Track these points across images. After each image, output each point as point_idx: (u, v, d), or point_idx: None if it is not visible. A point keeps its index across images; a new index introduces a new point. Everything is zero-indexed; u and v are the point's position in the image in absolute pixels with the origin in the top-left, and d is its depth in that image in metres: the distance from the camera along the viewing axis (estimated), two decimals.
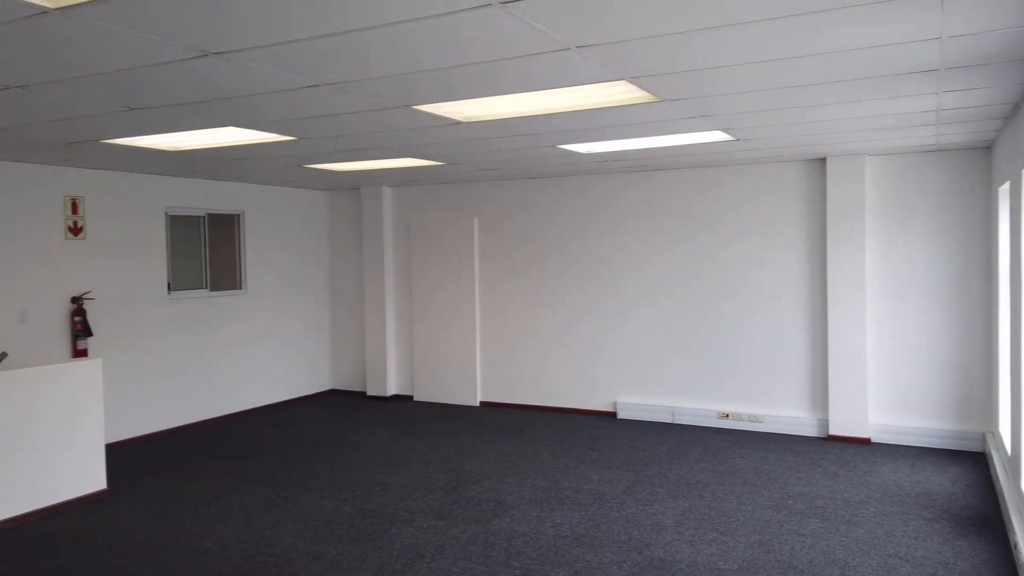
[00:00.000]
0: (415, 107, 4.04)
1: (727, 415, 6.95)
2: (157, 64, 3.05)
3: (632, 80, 3.49)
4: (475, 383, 8.17)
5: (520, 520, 4.64)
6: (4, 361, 5.74)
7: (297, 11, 2.43)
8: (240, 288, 7.94)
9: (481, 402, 8.21)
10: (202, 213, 7.54)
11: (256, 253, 8.08)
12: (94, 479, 5.21)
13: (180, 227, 7.37)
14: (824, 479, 5.38)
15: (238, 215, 7.93)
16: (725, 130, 4.94)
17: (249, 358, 7.98)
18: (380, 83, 3.46)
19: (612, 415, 7.50)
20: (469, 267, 8.17)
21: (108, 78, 3.28)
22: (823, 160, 6.57)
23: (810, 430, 6.65)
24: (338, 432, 7.05)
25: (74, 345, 6.27)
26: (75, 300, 6.28)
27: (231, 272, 7.89)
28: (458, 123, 4.52)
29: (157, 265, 7.04)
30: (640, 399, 7.39)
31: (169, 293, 7.16)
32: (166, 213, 7.16)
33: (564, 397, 7.77)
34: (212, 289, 7.64)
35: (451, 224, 8.27)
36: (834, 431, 6.51)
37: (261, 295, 8.13)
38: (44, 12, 2.42)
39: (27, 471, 4.81)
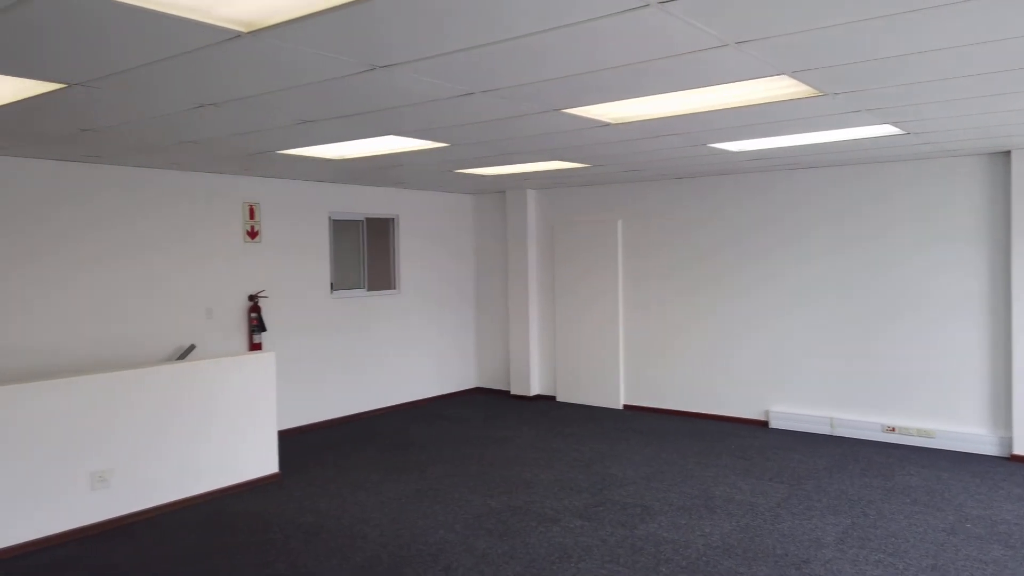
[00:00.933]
0: (564, 111, 4.08)
1: (893, 428, 6.48)
2: (330, 79, 3.28)
3: (794, 75, 3.34)
4: (618, 386, 8.12)
5: (668, 527, 4.56)
6: (192, 353, 6.37)
7: (456, 24, 2.53)
8: (394, 288, 8.34)
9: (624, 405, 8.14)
10: (361, 217, 8.00)
11: (408, 255, 8.46)
12: (268, 463, 5.67)
13: (341, 230, 7.86)
14: (1008, 502, 4.89)
15: (393, 219, 8.34)
16: (894, 123, 4.62)
17: (402, 355, 8.37)
18: (532, 88, 3.53)
19: (763, 424, 7.19)
20: (613, 269, 8.13)
21: (287, 94, 3.56)
22: (1007, 153, 5.97)
23: (989, 448, 6.05)
24: (484, 429, 7.24)
25: (250, 339, 6.85)
26: (252, 298, 6.86)
27: (386, 273, 8.32)
28: (607, 125, 4.52)
29: (321, 266, 7.55)
30: (795, 408, 7.04)
31: (331, 292, 7.65)
32: (329, 217, 7.65)
33: (711, 403, 7.55)
34: (369, 289, 8.09)
35: (595, 226, 8.27)
36: (1019, 450, 5.89)
37: (413, 295, 8.51)
38: (237, 36, 2.67)
39: (211, 453, 5.31)
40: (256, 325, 6.81)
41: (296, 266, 7.31)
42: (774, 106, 4.02)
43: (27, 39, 2.64)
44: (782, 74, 3.33)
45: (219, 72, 3.14)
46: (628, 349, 8.12)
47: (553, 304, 8.67)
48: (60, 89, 3.38)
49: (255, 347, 6.87)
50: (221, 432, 5.37)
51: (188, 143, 4.92)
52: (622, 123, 4.48)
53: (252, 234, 6.93)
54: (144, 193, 6.12)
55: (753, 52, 2.96)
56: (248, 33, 2.63)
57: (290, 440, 6.91)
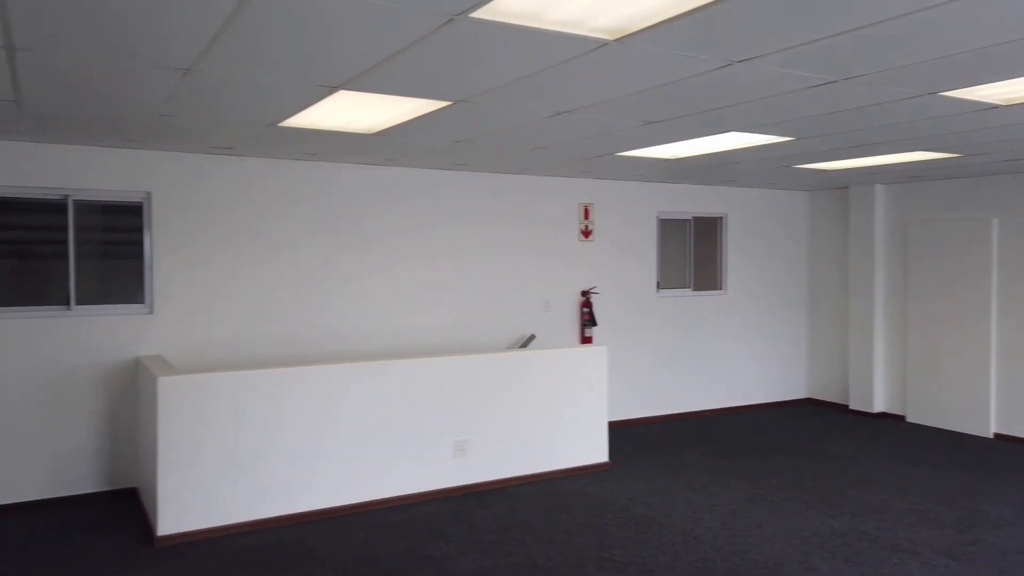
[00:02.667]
0: (942, 93, 3.61)
1: None
2: (685, 78, 3.30)
3: None
4: (988, 410, 6.97)
5: None
6: (532, 342, 6.91)
7: (824, 10, 2.37)
8: (720, 289, 8.15)
9: (995, 434, 6.97)
10: (688, 216, 7.96)
11: (736, 255, 8.20)
12: (598, 452, 5.93)
13: (668, 230, 7.90)
14: None
15: (721, 218, 8.15)
16: None
17: (727, 358, 8.15)
18: (906, 71, 3.17)
19: None
20: (984, 275, 7.00)
21: (638, 96, 3.67)
22: None
23: None
24: (819, 443, 6.74)
25: (582, 332, 7.23)
26: (584, 293, 7.23)
27: (712, 273, 8.17)
28: (995, 107, 3.90)
29: (648, 265, 7.67)
30: None
31: (657, 291, 7.74)
32: (657, 217, 7.74)
33: None
34: (695, 289, 8.01)
35: (961, 225, 7.19)
36: None
37: (739, 297, 8.23)
38: (604, 44, 2.81)
39: (548, 436, 5.70)
40: (588, 320, 7.16)
41: (624, 264, 7.53)
42: None
43: (432, 66, 3.08)
44: None
45: (581, 80, 3.34)
46: (1003, 368, 6.93)
47: (904, 312, 7.74)
48: (448, 106, 3.89)
49: (586, 340, 7.22)
50: (557, 418, 5.74)
51: (539, 149, 5.34)
52: (1015, 104, 3.83)
53: (586, 233, 7.30)
54: (495, 195, 6.79)
55: None
56: (615, 40, 2.76)
57: (617, 432, 7.13)
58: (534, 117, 4.18)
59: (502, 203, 6.83)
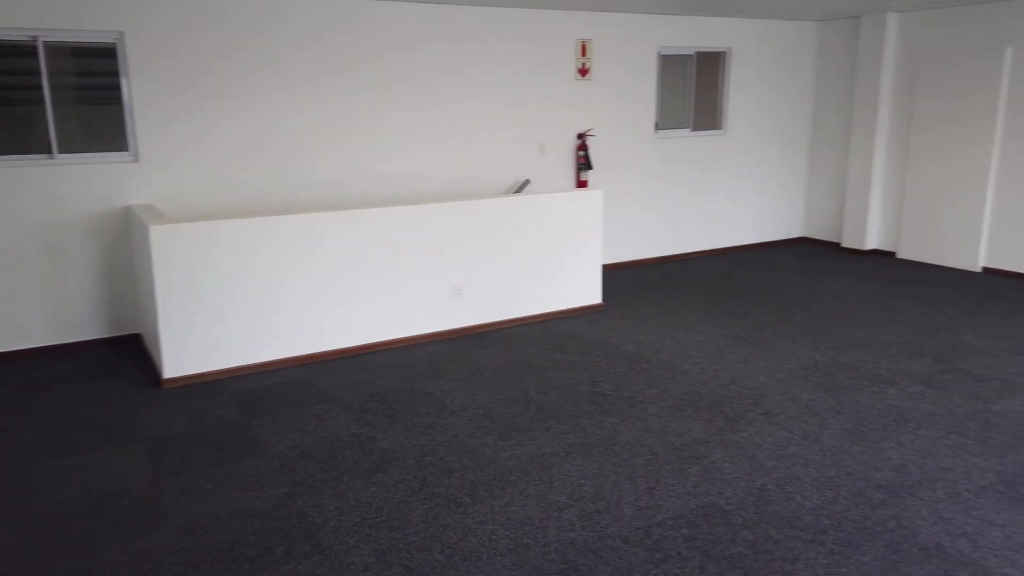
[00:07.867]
0: None
1: None
2: None
3: None
4: (978, 245, 7.03)
5: None
6: (527, 187, 6.84)
7: None
8: (720, 128, 7.96)
9: (984, 268, 7.07)
10: (691, 52, 7.61)
11: (738, 93, 7.93)
12: (593, 294, 6.04)
13: (669, 67, 7.59)
14: None
15: (724, 53, 7.80)
16: None
17: (725, 199, 8.11)
18: None
19: None
20: (991, 109, 6.80)
21: None
22: None
23: None
24: (811, 281, 6.85)
25: (577, 176, 7.13)
26: (580, 136, 7.07)
27: (711, 112, 7.94)
28: None
29: (647, 105, 7.44)
30: None
31: (656, 132, 7.56)
32: (658, 53, 7.41)
33: None
34: (694, 129, 7.82)
35: (972, 56, 6.89)
36: None
37: (739, 136, 8.06)
38: None
39: (544, 279, 5.78)
40: (583, 163, 7.04)
41: (623, 104, 7.30)
42: None
43: None
44: None
45: None
46: (998, 203, 6.92)
47: (905, 148, 7.61)
48: None
49: (581, 184, 7.14)
50: (552, 261, 5.80)
51: None
52: None
53: (583, 72, 7.01)
54: (484, 32, 6.45)
55: None
56: None
57: (612, 274, 7.23)
58: None
59: (492, 41, 6.50)
